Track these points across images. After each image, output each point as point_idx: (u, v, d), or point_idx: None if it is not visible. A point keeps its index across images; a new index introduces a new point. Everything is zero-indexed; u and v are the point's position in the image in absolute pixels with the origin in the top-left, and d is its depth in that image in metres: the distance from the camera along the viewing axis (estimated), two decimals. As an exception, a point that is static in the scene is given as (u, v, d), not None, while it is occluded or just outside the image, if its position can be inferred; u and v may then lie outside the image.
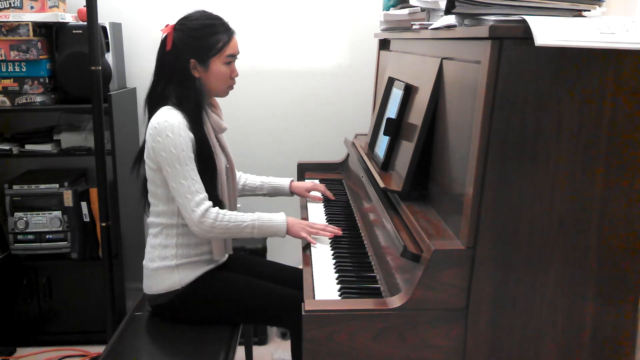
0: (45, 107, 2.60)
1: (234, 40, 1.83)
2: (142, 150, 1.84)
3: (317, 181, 2.48)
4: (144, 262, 1.86)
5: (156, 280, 1.81)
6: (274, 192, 2.22)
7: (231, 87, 1.88)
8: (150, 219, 1.86)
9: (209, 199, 1.76)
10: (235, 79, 1.87)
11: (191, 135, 1.74)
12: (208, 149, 1.80)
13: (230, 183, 1.93)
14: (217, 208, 1.75)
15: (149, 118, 1.80)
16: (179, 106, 1.76)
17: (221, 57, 1.80)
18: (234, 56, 1.84)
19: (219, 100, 1.95)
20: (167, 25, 1.82)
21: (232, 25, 1.85)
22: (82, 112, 2.79)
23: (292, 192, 2.22)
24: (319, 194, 2.23)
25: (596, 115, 1.22)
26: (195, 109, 1.78)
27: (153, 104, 1.81)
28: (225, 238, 1.84)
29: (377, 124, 2.05)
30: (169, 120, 1.71)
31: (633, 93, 1.22)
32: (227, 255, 1.98)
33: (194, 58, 1.78)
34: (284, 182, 2.22)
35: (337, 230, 1.84)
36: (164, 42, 1.80)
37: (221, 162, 1.85)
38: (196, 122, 1.77)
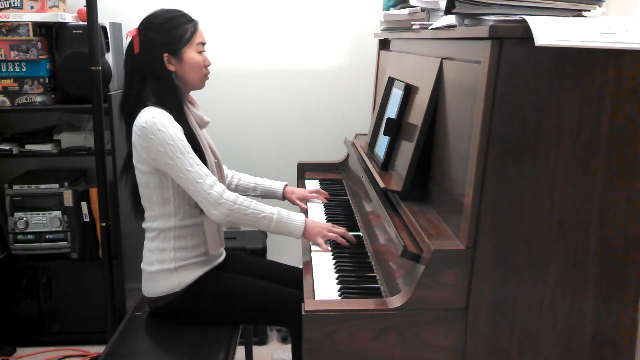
0: (45, 107, 2.60)
1: (199, 28, 1.84)
2: (128, 158, 1.83)
3: (317, 182, 2.48)
4: (142, 265, 1.86)
5: (155, 283, 1.81)
6: (267, 195, 2.21)
7: (206, 77, 1.88)
8: (146, 224, 1.84)
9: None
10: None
11: (180, 127, 1.73)
12: (197, 145, 1.79)
13: (219, 179, 1.92)
14: (236, 193, 1.73)
15: (128, 125, 1.78)
16: (159, 105, 1.74)
17: (192, 45, 1.80)
18: (203, 44, 1.84)
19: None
20: (129, 31, 1.81)
21: (193, 15, 1.85)
22: (82, 112, 2.79)
23: (284, 197, 2.20)
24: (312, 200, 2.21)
25: (596, 115, 1.22)
26: (177, 105, 1.78)
27: (129, 110, 1.78)
28: (239, 225, 1.80)
29: (377, 124, 2.05)
30: (157, 117, 1.70)
31: (633, 93, 1.22)
32: (224, 254, 1.97)
33: (166, 52, 1.78)
34: (278, 186, 2.20)
35: (353, 239, 1.79)
36: (130, 46, 1.80)
37: (210, 157, 1.84)
38: (180, 118, 1.76)
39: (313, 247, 1.76)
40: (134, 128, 1.73)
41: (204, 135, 1.91)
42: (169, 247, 1.80)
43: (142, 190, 1.80)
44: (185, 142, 1.71)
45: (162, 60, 1.77)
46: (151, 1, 2.84)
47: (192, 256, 1.82)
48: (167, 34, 1.78)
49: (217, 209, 1.69)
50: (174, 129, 1.70)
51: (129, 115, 1.78)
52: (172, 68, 1.79)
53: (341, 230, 1.81)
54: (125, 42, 1.83)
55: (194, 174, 1.69)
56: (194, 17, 1.85)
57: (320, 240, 1.77)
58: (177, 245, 1.80)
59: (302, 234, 1.78)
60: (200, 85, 1.87)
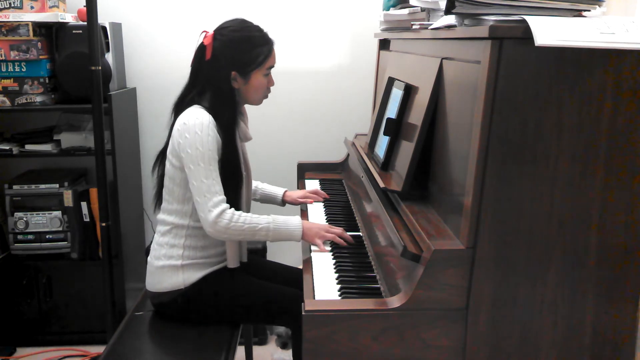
0: (45, 107, 2.60)
1: (274, 51, 1.84)
2: (164, 148, 1.84)
3: (317, 182, 2.48)
4: (149, 258, 1.86)
5: (160, 278, 1.81)
6: (266, 200, 2.21)
7: (266, 96, 1.89)
8: (160, 216, 1.85)
9: (230, 207, 1.77)
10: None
11: (218, 137, 1.74)
12: (236, 159, 1.80)
13: (248, 192, 1.93)
14: (232, 209, 1.73)
15: (174, 121, 1.79)
16: (211, 112, 1.75)
17: (262, 69, 1.81)
18: (272, 67, 1.85)
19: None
20: (205, 33, 1.80)
21: (271, 35, 1.84)
22: (82, 112, 2.79)
23: (284, 202, 2.20)
24: (310, 199, 2.21)
25: (596, 115, 1.22)
26: (229, 120, 1.78)
27: (181, 109, 1.79)
28: (239, 240, 1.82)
29: (377, 124, 2.05)
30: (200, 118, 1.71)
31: (633, 93, 1.22)
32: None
33: (235, 70, 1.78)
34: (278, 191, 2.20)
35: (351, 239, 1.80)
36: (202, 50, 1.78)
37: (243, 172, 1.85)
38: (228, 132, 1.77)
39: (313, 247, 1.76)
40: (178, 120, 1.75)
41: (244, 149, 1.92)
42: (179, 244, 1.80)
43: (167, 182, 1.81)
44: (212, 153, 1.71)
45: (228, 77, 1.78)
46: (151, 1, 2.86)
47: (201, 256, 1.82)
48: (242, 53, 1.77)
49: (213, 227, 1.70)
50: (209, 137, 1.70)
51: (179, 113, 1.79)
52: (236, 86, 1.80)
53: (338, 230, 1.81)
54: (197, 41, 1.81)
55: (205, 187, 1.69)
56: (271, 36, 1.83)
57: (319, 241, 1.77)
58: (187, 244, 1.80)
59: (301, 236, 1.78)
60: (258, 103, 1.89)
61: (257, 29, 1.82)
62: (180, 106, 1.82)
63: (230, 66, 1.77)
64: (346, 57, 2.95)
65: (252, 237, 1.75)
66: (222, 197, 1.72)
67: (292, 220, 1.80)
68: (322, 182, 2.47)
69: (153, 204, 1.94)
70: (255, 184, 2.19)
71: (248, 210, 1.96)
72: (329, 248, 1.76)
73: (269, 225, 1.75)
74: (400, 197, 1.59)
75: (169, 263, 1.80)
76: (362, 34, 2.88)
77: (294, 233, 1.78)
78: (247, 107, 1.95)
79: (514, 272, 1.28)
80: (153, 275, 1.84)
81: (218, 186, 1.71)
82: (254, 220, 1.75)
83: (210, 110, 1.75)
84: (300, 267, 1.75)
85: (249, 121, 1.97)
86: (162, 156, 1.87)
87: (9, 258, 2.71)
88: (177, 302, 1.80)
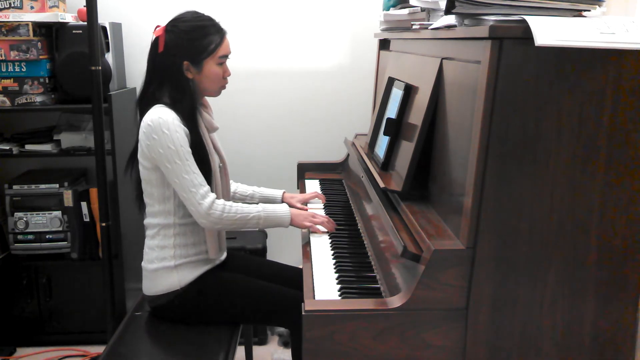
0: (45, 107, 2.60)
1: (226, 40, 1.84)
2: (135, 150, 1.84)
3: (317, 182, 2.48)
4: (143, 263, 1.86)
5: (155, 282, 1.81)
6: (266, 202, 2.20)
7: (224, 87, 1.89)
8: (146, 220, 1.85)
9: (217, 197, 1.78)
10: (228, 78, 1.88)
11: (186, 130, 1.74)
12: (203, 149, 1.80)
13: (224, 182, 1.94)
14: (222, 200, 1.76)
15: (141, 118, 1.79)
16: (172, 106, 1.76)
17: (214, 58, 1.81)
18: (226, 56, 1.85)
19: (211, 99, 1.95)
20: (158, 27, 1.81)
21: (223, 25, 1.85)
22: (82, 112, 2.79)
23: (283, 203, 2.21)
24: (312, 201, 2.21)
25: (596, 115, 1.22)
26: (190, 110, 1.79)
27: (145, 105, 1.80)
28: (231, 230, 1.83)
29: (377, 124, 2.05)
30: (163, 117, 1.71)
31: (633, 93, 1.22)
32: (225, 255, 1.98)
33: (187, 60, 1.78)
34: (276, 193, 2.20)
35: (334, 226, 1.90)
36: (155, 43, 1.80)
37: (215, 161, 1.86)
38: (191, 123, 1.77)
39: (312, 243, 1.76)
40: (142, 124, 1.75)
41: (214, 139, 1.92)
42: (169, 244, 1.80)
43: (144, 186, 1.81)
44: (186, 147, 1.72)
45: (181, 67, 1.78)
46: (151, 1, 2.86)
47: (193, 254, 1.82)
48: (192, 42, 1.78)
49: (207, 218, 1.73)
50: (177, 134, 1.70)
51: (143, 109, 1.80)
52: (190, 76, 1.80)
53: (325, 217, 1.90)
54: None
55: (188, 182, 1.70)
56: (223, 26, 1.84)
57: (308, 224, 1.86)
58: (177, 243, 1.80)
59: (290, 221, 1.85)
60: (216, 94, 1.89)
61: (209, 19, 1.83)
62: (142, 102, 1.82)
63: (182, 56, 1.78)
64: (346, 57, 2.95)
65: (244, 225, 1.80)
66: (207, 187, 1.74)
67: (280, 208, 1.87)
68: (322, 182, 2.47)
69: (136, 207, 1.94)
70: (252, 188, 2.19)
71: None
72: (330, 247, 1.77)
73: (260, 213, 1.81)
74: (400, 197, 1.59)
75: (162, 265, 1.80)
76: (362, 34, 2.89)
77: (283, 219, 1.85)
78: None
79: (514, 272, 1.28)
80: (148, 279, 1.84)
81: (200, 178, 1.73)
82: (245, 209, 1.79)
83: (171, 105, 1.76)
84: (300, 267, 1.75)
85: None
86: (133, 158, 1.87)
87: (9, 258, 2.70)
88: (175, 304, 1.80)
